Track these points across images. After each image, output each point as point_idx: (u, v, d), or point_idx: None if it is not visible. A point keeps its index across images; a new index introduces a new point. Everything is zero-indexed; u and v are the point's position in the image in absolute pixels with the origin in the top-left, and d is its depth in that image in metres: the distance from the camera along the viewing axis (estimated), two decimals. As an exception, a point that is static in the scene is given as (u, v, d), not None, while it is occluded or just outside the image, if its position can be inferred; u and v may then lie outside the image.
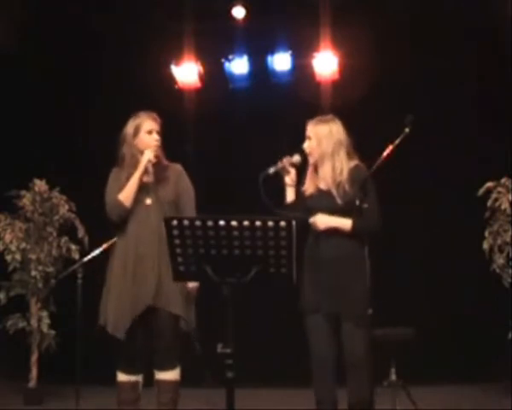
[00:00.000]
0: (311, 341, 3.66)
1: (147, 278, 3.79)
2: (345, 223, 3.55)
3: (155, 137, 3.92)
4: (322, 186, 3.73)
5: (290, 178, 3.80)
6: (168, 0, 7.03)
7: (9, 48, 6.66)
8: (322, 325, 3.61)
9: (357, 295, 3.44)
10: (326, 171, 3.68)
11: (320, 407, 3.61)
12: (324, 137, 3.71)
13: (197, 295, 3.94)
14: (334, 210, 3.58)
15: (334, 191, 3.60)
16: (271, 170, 3.71)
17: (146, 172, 3.86)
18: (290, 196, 3.82)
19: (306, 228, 3.68)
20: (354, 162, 3.69)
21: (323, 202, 3.65)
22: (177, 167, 4.02)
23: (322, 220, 3.61)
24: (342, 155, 3.69)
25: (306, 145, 3.77)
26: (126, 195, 3.84)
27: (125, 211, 3.85)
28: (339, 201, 3.56)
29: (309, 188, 3.79)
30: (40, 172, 6.31)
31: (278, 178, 3.78)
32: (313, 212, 3.66)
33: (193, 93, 7.37)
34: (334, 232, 3.59)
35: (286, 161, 3.76)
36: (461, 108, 6.63)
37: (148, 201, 3.88)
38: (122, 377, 3.89)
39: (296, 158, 3.77)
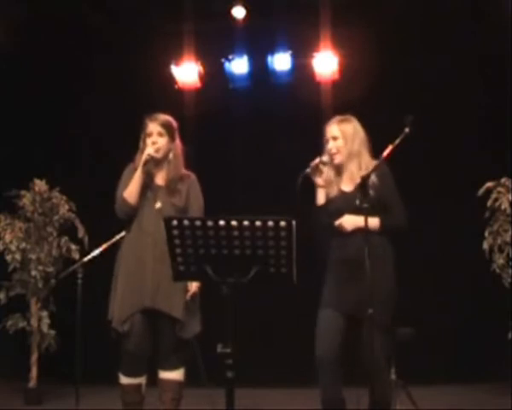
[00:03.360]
0: (316, 337, 3.59)
1: (144, 279, 3.80)
2: (373, 222, 3.50)
3: (152, 139, 3.92)
4: (346, 188, 3.69)
5: (322, 179, 3.73)
6: (168, 0, 7.04)
7: (9, 48, 6.66)
8: (333, 321, 3.56)
9: (382, 299, 3.37)
10: (352, 170, 3.64)
11: (326, 407, 3.59)
12: (351, 136, 3.70)
13: (198, 294, 3.94)
14: (359, 211, 3.49)
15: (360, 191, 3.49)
16: (308, 170, 3.66)
17: (146, 164, 3.86)
18: (322, 197, 3.74)
19: (332, 231, 3.65)
20: (376, 162, 3.62)
21: (348, 203, 3.58)
22: (191, 177, 4.04)
23: (350, 221, 3.58)
24: (366, 153, 3.69)
25: (332, 145, 3.71)
26: (130, 192, 3.85)
27: (130, 208, 3.86)
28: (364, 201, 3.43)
29: (332, 191, 3.73)
30: (40, 172, 6.32)
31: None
32: (340, 214, 3.61)
33: (193, 93, 7.38)
34: (359, 232, 3.52)
35: (319, 161, 3.70)
36: (461, 108, 6.63)
37: (158, 204, 3.89)
38: (124, 379, 3.88)
39: (326, 158, 3.72)
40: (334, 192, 3.74)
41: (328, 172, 3.75)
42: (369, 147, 3.73)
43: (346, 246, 3.62)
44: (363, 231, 3.44)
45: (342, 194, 3.70)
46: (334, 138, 3.72)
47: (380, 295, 3.37)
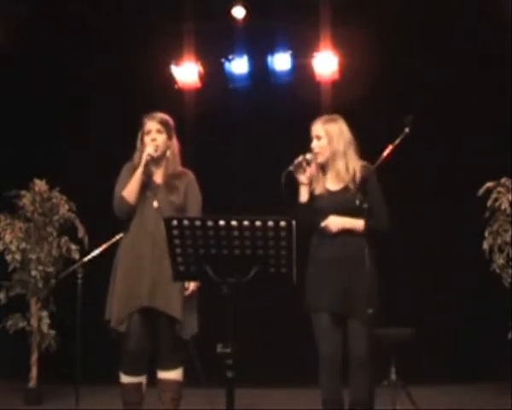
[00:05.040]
0: (317, 340, 3.62)
1: (142, 278, 3.80)
2: (357, 223, 3.51)
3: (151, 136, 3.94)
4: (331, 187, 3.70)
5: (306, 177, 3.74)
6: (168, 0, 7.04)
7: (9, 48, 6.66)
8: (328, 324, 3.59)
9: (362, 294, 3.37)
10: (339, 170, 3.65)
11: (326, 407, 3.60)
12: (336, 136, 3.69)
13: (197, 295, 3.94)
14: (346, 210, 3.54)
15: (351, 190, 3.56)
16: (291, 168, 3.68)
17: (147, 165, 3.87)
18: (305, 195, 3.75)
19: (314, 229, 3.67)
20: (362, 162, 3.68)
21: (335, 202, 3.61)
22: (189, 175, 4.05)
23: (335, 223, 3.59)
24: (353, 153, 3.70)
25: (316, 144, 3.73)
26: (129, 191, 3.86)
27: (128, 207, 3.86)
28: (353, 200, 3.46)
29: (317, 189, 3.75)
30: (40, 172, 6.31)
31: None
32: (324, 213, 3.63)
33: (193, 93, 7.38)
34: (342, 232, 3.57)
35: (302, 158, 3.71)
36: (461, 108, 6.63)
37: (156, 203, 3.90)
38: (125, 378, 3.88)
39: (310, 156, 3.73)
40: (319, 190, 3.74)
41: (312, 169, 3.76)
42: (355, 147, 3.73)
43: (331, 245, 3.62)
44: (345, 232, 3.52)
45: (328, 193, 3.71)
46: (318, 138, 3.73)
47: (358, 294, 3.41)
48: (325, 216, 3.63)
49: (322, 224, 3.63)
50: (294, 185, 3.77)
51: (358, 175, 3.61)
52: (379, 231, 3.57)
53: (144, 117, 4.00)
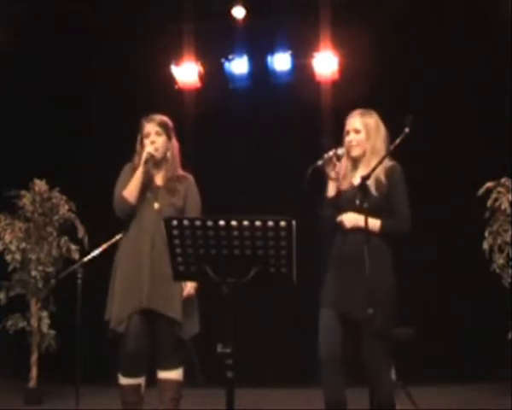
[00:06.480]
0: (320, 336, 3.55)
1: (142, 280, 3.80)
2: (373, 223, 3.44)
3: (151, 138, 3.93)
4: (357, 183, 3.61)
5: (335, 172, 3.67)
6: (168, 0, 7.04)
7: (9, 48, 6.67)
8: (329, 322, 3.54)
9: (380, 300, 3.31)
10: (371, 166, 3.50)
11: (328, 408, 3.58)
12: (373, 131, 3.64)
13: (197, 295, 3.94)
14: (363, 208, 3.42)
15: (372, 188, 3.48)
16: (320, 162, 3.60)
17: (147, 163, 3.87)
18: (332, 190, 3.68)
19: (335, 226, 3.63)
20: (391, 162, 3.61)
21: (355, 199, 3.50)
22: (189, 179, 4.04)
23: (350, 219, 3.54)
24: (385, 151, 3.62)
25: (353, 137, 3.65)
26: (130, 191, 3.86)
27: (129, 207, 3.86)
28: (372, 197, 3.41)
29: (343, 184, 3.68)
30: (40, 172, 6.32)
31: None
32: (344, 209, 3.58)
33: (193, 93, 7.39)
34: (357, 230, 3.49)
35: (332, 153, 3.63)
36: (461, 108, 6.63)
37: (156, 205, 3.90)
38: (124, 380, 3.88)
39: (342, 151, 3.66)
40: (345, 186, 3.68)
41: (343, 164, 3.69)
42: (387, 145, 3.65)
43: (345, 243, 3.58)
44: (363, 230, 3.39)
45: (352, 188, 3.63)
46: (356, 131, 3.66)
47: (377, 295, 3.30)
48: (345, 211, 3.59)
49: (338, 218, 3.60)
50: (317, 181, 3.67)
51: (382, 174, 3.54)
52: (397, 233, 3.55)
53: (142, 119, 3.99)
